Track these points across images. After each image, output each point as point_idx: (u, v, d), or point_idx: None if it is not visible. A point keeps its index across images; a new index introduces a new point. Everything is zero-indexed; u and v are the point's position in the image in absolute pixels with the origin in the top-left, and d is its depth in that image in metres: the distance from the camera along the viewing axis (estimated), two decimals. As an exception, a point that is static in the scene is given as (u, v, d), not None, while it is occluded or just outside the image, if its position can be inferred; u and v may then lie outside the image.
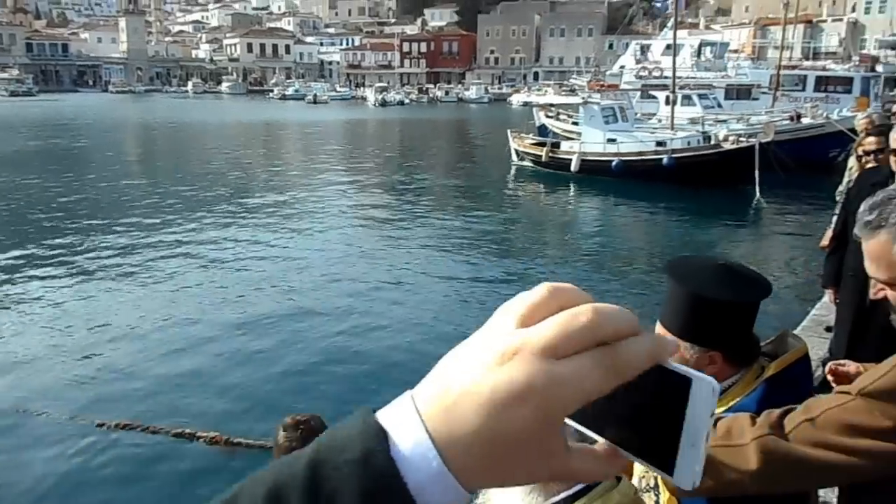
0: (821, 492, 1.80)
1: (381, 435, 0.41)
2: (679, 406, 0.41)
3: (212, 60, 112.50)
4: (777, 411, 1.37)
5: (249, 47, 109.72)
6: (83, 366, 7.64)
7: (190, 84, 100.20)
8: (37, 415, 6.44)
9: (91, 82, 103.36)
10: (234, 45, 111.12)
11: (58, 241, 13.65)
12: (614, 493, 1.27)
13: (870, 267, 1.41)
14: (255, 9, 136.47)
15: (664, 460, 0.42)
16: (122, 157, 29.70)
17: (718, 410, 1.56)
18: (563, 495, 1.28)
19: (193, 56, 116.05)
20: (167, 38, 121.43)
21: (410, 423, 0.41)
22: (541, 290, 0.43)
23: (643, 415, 0.42)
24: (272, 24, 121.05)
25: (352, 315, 9.25)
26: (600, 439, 0.44)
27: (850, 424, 1.25)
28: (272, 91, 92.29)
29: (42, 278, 11.09)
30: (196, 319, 9.14)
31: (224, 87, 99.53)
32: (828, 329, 5.57)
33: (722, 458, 1.37)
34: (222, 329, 8.79)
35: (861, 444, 1.23)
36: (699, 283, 1.57)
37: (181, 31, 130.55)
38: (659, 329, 1.66)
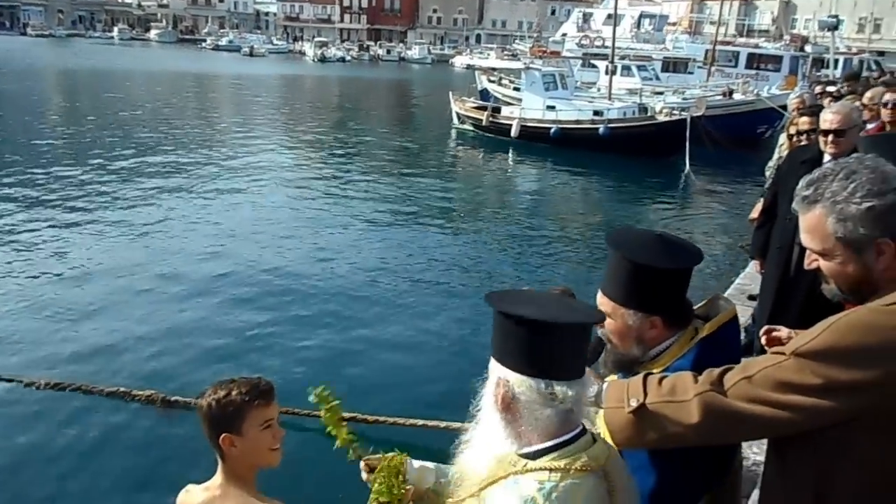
0: (747, 452, 1.95)
1: None
2: None
3: (139, 6, 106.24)
4: (717, 370, 1.48)
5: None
6: (5, 324, 7.32)
7: (116, 30, 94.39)
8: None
9: (8, 24, 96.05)
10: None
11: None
12: (583, 455, 1.34)
13: (805, 238, 1.52)
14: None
15: None
16: (41, 106, 27.98)
17: (658, 370, 1.67)
18: (536, 447, 1.35)
19: (119, 0, 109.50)
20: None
21: None
22: None
23: None
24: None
25: (280, 278, 9.06)
26: None
27: (784, 382, 1.37)
28: (205, 41, 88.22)
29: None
30: (119, 278, 8.83)
31: (153, 34, 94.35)
32: (751, 297, 5.89)
33: (666, 412, 1.48)
34: (146, 289, 8.52)
35: (793, 400, 1.35)
36: (640, 252, 1.68)
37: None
38: (600, 299, 1.75)
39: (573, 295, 3.08)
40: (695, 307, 1.78)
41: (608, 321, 1.73)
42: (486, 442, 1.41)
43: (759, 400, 1.39)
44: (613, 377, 1.78)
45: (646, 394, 1.51)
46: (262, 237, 10.94)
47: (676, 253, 1.70)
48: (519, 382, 1.34)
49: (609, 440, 1.66)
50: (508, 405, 1.36)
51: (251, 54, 76.18)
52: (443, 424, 5.09)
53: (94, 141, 19.21)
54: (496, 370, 1.39)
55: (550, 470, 1.31)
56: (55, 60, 51.39)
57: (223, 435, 1.86)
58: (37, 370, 6.27)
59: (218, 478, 1.94)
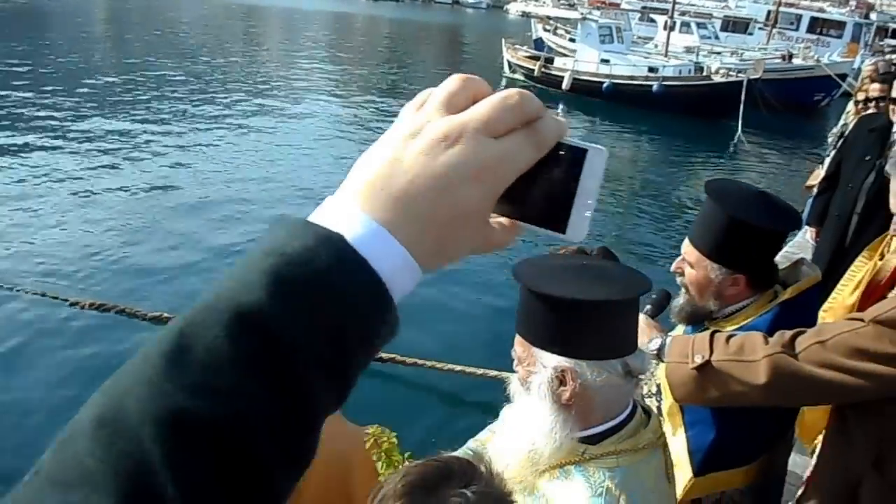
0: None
1: (327, 231, 0.39)
2: (575, 174, 0.46)
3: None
4: (789, 332, 1.46)
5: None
6: (55, 244, 7.48)
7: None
8: (6, 288, 6.30)
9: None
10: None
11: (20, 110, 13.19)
12: (645, 431, 1.27)
13: (894, 203, 1.47)
14: None
15: (558, 224, 0.46)
16: (85, 28, 28.23)
17: (731, 328, 1.65)
18: (592, 431, 1.26)
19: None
20: None
21: (353, 217, 0.40)
22: (455, 81, 0.44)
23: (541, 188, 0.46)
24: None
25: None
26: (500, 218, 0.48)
27: (860, 348, 1.34)
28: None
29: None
30: (160, 208, 8.90)
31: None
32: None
33: (731, 371, 1.46)
34: (184, 218, 8.62)
35: (868, 368, 1.33)
36: (740, 208, 1.61)
37: None
38: (686, 247, 1.72)
39: (614, 256, 2.95)
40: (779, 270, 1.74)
41: (689, 270, 1.70)
42: (530, 434, 1.26)
43: (831, 365, 1.36)
44: (680, 329, 1.77)
45: (712, 351, 1.50)
46: (293, 182, 10.70)
47: (778, 214, 1.65)
48: (598, 370, 1.21)
49: (666, 393, 1.66)
50: (580, 395, 1.22)
51: (302, -11, 75.14)
52: (469, 370, 5.10)
53: (138, 65, 19.36)
54: (551, 361, 1.23)
55: (617, 454, 1.22)
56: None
57: None
58: (80, 290, 6.41)
59: None
